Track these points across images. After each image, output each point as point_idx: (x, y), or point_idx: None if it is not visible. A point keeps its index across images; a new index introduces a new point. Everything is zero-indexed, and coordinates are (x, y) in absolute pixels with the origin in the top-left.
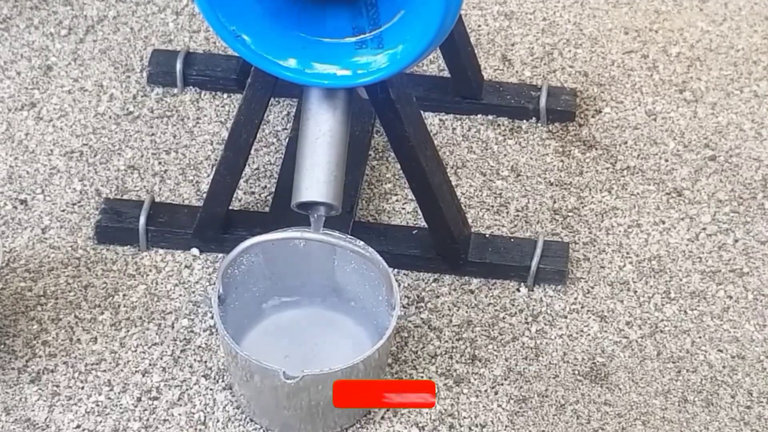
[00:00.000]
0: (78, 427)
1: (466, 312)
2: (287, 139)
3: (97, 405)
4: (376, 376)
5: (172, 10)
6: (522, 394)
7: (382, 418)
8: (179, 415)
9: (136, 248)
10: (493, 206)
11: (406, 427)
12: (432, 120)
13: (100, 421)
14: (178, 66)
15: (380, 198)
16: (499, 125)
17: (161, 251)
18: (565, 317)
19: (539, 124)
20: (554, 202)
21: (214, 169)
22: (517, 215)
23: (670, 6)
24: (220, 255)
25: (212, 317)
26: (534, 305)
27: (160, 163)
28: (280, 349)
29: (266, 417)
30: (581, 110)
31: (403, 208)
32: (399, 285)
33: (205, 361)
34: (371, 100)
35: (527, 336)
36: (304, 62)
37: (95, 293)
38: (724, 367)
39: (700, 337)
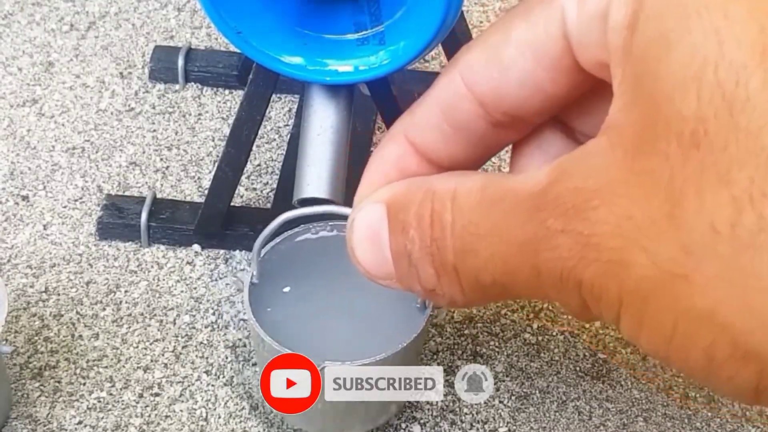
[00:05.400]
0: (80, 423)
1: (468, 309)
2: (289, 136)
3: (99, 401)
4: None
5: (174, 7)
6: (523, 391)
7: None
8: (181, 411)
9: (137, 244)
10: None
11: (406, 423)
12: None
13: (102, 417)
14: (180, 62)
15: None
16: None
17: (163, 247)
18: (567, 314)
19: None
20: None
21: (216, 165)
22: None
23: None
24: (222, 251)
25: (214, 313)
26: (536, 302)
27: (161, 159)
28: (311, 337)
29: None
30: None
31: None
32: None
33: (207, 357)
34: (373, 97)
35: (529, 332)
36: (305, 59)
37: (97, 289)
38: None
39: None
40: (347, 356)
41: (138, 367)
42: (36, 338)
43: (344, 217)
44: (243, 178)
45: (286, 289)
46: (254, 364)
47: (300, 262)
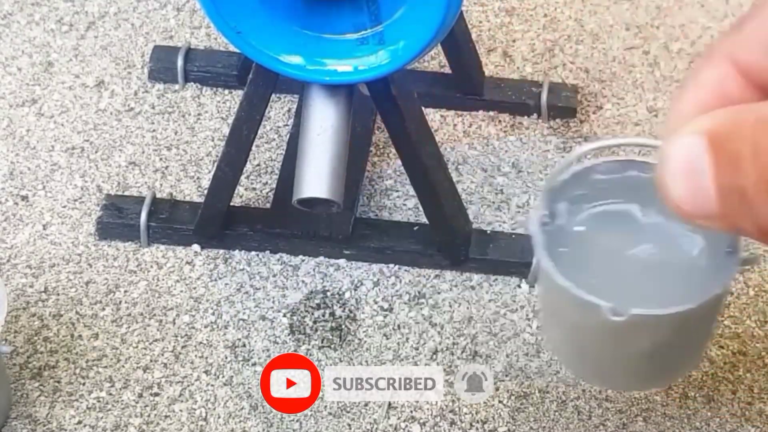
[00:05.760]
0: (79, 423)
1: (467, 308)
2: (288, 136)
3: (99, 401)
4: (705, 329)
5: (173, 6)
6: (523, 390)
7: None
8: (180, 411)
9: (137, 244)
10: (494, 202)
11: (406, 423)
12: (433, 116)
13: (102, 417)
14: (179, 62)
15: (381, 194)
16: (500, 121)
17: (162, 247)
18: None
19: (540, 121)
20: None
21: (216, 165)
22: (518, 211)
23: (671, 2)
24: (222, 251)
25: (213, 313)
26: (535, 301)
27: (161, 159)
28: (609, 280)
29: (581, 362)
30: (582, 106)
31: (404, 204)
32: (399, 281)
33: (206, 357)
34: (372, 97)
35: (528, 332)
36: (305, 59)
37: (96, 289)
38: (725, 363)
39: None
40: (651, 303)
41: (137, 367)
42: (35, 338)
43: (647, 149)
44: (243, 178)
45: (580, 229)
46: (254, 364)
47: (593, 200)
